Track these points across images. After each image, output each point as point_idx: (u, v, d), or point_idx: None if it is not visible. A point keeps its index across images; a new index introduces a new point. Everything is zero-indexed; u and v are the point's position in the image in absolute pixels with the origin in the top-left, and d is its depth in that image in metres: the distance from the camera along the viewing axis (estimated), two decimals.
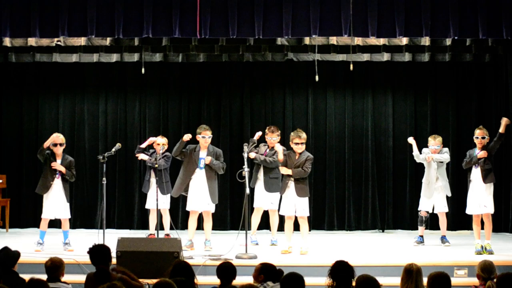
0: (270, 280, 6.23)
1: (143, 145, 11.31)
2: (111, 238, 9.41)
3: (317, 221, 13.12)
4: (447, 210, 11.22)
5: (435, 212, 11.18)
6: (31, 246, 10.24)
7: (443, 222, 11.20)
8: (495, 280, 6.16)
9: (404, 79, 13.44)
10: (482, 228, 10.37)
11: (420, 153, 11.08)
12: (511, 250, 10.56)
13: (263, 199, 10.99)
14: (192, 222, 10.61)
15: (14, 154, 13.37)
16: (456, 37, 10.32)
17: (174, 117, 13.44)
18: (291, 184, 10.19)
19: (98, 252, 6.59)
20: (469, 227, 11.56)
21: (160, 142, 11.17)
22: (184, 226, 12.00)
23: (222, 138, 13.14)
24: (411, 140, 11.20)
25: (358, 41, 12.18)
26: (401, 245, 11.33)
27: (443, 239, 11.15)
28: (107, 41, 12.37)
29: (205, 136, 10.55)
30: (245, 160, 10.07)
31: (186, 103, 13.45)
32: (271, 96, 13.49)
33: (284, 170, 10.25)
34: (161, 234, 10.95)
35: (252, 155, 10.80)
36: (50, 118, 13.43)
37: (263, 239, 11.19)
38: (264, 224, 11.68)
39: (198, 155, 10.52)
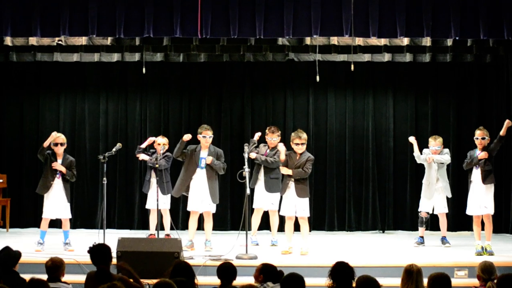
0: (270, 280, 6.22)
1: (143, 145, 11.31)
2: (112, 238, 9.39)
3: (318, 222, 13.12)
4: (447, 211, 11.22)
5: (435, 213, 11.18)
6: (31, 246, 10.23)
7: (443, 223, 11.19)
8: (495, 281, 6.15)
9: (405, 80, 13.44)
10: (483, 229, 10.36)
11: (421, 153, 11.08)
12: (511, 251, 10.57)
13: (263, 200, 10.98)
14: (193, 222, 10.60)
15: (15, 153, 13.37)
16: (457, 38, 10.33)
17: (175, 117, 13.43)
18: (292, 184, 10.18)
19: (99, 252, 6.58)
20: (470, 228, 11.55)
21: (161, 142, 11.17)
22: (185, 227, 12.00)
23: (223, 138, 13.13)
24: (412, 139, 11.18)
25: (359, 41, 12.19)
26: (402, 246, 11.32)
27: (444, 240, 11.14)
28: (108, 40, 12.38)
29: (206, 136, 10.54)
30: (246, 160, 10.07)
31: (187, 103, 13.45)
32: (272, 96, 13.49)
33: (285, 170, 10.24)
34: (162, 234, 10.95)
35: (253, 155, 10.79)
36: (50, 117, 13.42)
37: (264, 240, 11.19)
38: (265, 224, 11.67)
39: (198, 155, 10.52)
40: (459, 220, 12.69)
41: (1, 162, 13.22)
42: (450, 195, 11.18)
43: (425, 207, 11.13)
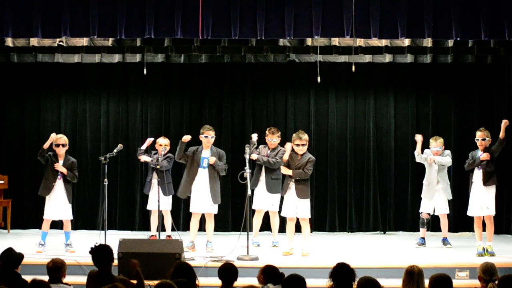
0: (271, 282, 6.23)
1: (143, 147, 11.32)
2: (113, 239, 9.40)
3: (319, 223, 13.10)
4: (448, 212, 11.21)
5: (436, 214, 11.18)
6: (32, 247, 10.23)
7: (444, 224, 11.19)
8: (496, 282, 6.14)
9: (406, 80, 13.43)
10: (484, 230, 10.36)
11: (422, 153, 11.07)
12: None
13: (264, 201, 10.97)
14: (194, 223, 10.60)
15: (16, 154, 13.36)
16: (458, 39, 10.32)
17: (176, 118, 13.43)
18: (292, 185, 10.19)
19: (100, 253, 6.58)
20: (471, 229, 11.54)
21: (162, 143, 11.17)
22: (186, 228, 12.00)
23: (224, 139, 13.13)
24: (418, 137, 11.12)
25: (360, 42, 12.20)
26: (403, 247, 11.32)
27: (445, 241, 11.14)
28: (109, 41, 12.39)
29: (207, 136, 10.54)
30: (247, 161, 10.07)
31: (188, 104, 13.45)
32: (273, 97, 13.49)
33: (285, 170, 10.26)
34: (163, 236, 10.96)
35: (254, 156, 10.79)
36: (52, 118, 13.42)
37: (265, 241, 11.19)
38: (266, 225, 11.67)
39: (200, 155, 10.52)
40: (460, 221, 12.68)
41: (2, 163, 13.22)
42: (450, 197, 11.16)
43: (426, 208, 11.13)
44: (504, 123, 10.23)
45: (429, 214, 11.16)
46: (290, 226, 10.27)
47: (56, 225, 11.42)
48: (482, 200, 10.23)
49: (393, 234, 13.08)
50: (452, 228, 12.25)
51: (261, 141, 11.20)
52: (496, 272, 6.32)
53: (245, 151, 10.28)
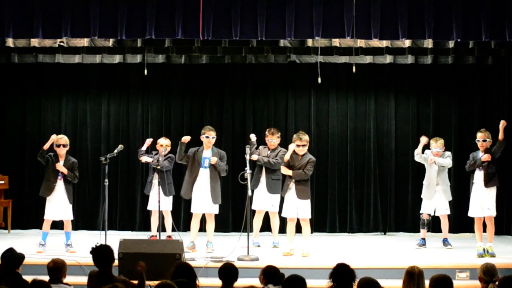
0: (272, 283, 6.23)
1: (143, 148, 11.33)
2: (113, 239, 9.41)
3: (319, 223, 13.10)
4: (449, 213, 11.20)
5: (436, 214, 11.17)
6: (33, 247, 10.23)
7: (445, 224, 11.18)
8: (497, 283, 6.14)
9: (407, 81, 13.44)
10: (484, 230, 10.36)
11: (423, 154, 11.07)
12: None
13: (264, 202, 10.97)
14: (195, 224, 10.60)
15: (17, 155, 13.37)
16: (459, 40, 10.30)
17: (177, 118, 13.44)
18: (292, 185, 10.20)
19: (101, 253, 6.58)
20: (471, 230, 11.53)
21: (163, 143, 11.18)
22: (186, 228, 12.01)
23: (224, 139, 13.13)
24: (423, 139, 11.06)
25: (361, 43, 12.19)
26: (403, 248, 11.32)
27: (445, 241, 11.13)
28: (110, 42, 12.39)
29: (208, 136, 10.54)
30: (247, 162, 10.08)
31: (188, 104, 13.45)
32: (274, 98, 13.49)
33: (284, 170, 10.27)
34: (163, 236, 10.96)
35: (255, 157, 10.79)
36: (52, 119, 13.43)
37: (265, 241, 11.19)
38: (266, 226, 11.67)
39: (201, 155, 10.52)
40: (461, 222, 12.68)
41: (3, 164, 13.23)
42: (450, 198, 11.16)
43: (426, 209, 11.12)
44: (502, 124, 10.22)
45: (429, 215, 11.15)
46: (291, 226, 10.28)
47: (57, 225, 11.42)
48: (483, 201, 10.23)
49: (394, 234, 13.07)
50: (453, 229, 12.26)
51: (262, 141, 11.20)
52: (496, 273, 6.32)
53: (246, 151, 10.29)
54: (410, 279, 6.01)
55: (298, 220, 10.28)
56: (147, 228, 12.23)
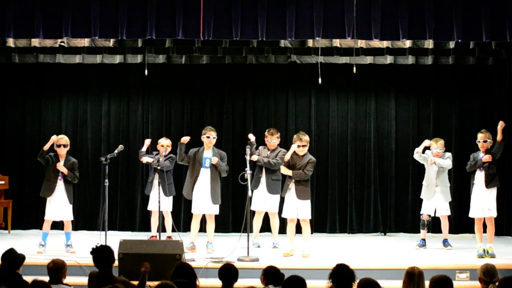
0: (272, 283, 6.23)
1: (143, 149, 11.34)
2: (113, 240, 9.41)
3: (319, 224, 13.10)
4: (449, 214, 11.19)
5: (437, 215, 11.17)
6: (33, 247, 10.23)
7: (445, 225, 11.17)
8: (497, 283, 6.14)
9: (407, 82, 13.43)
10: (485, 231, 10.35)
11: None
12: None
13: (263, 202, 10.96)
14: (195, 224, 10.60)
15: (17, 155, 13.37)
16: (459, 40, 10.31)
17: (177, 118, 13.44)
18: (292, 186, 10.20)
19: (101, 253, 6.58)
20: (471, 231, 11.53)
21: (164, 143, 11.19)
22: (186, 228, 12.01)
23: (225, 140, 13.13)
24: (426, 142, 11.02)
25: (361, 43, 12.19)
26: (403, 248, 11.32)
27: (445, 242, 11.13)
28: (111, 42, 12.39)
29: (209, 136, 10.54)
30: (247, 162, 10.08)
31: (189, 104, 13.45)
32: (274, 98, 13.49)
33: (284, 170, 10.27)
34: (163, 236, 10.95)
35: (255, 157, 10.78)
36: (53, 119, 13.43)
37: (265, 242, 11.19)
38: (266, 226, 11.67)
39: (202, 155, 10.52)
40: (461, 222, 12.68)
41: (3, 164, 13.23)
42: (449, 199, 11.14)
43: (427, 209, 11.12)
44: (501, 125, 10.21)
45: (429, 215, 11.14)
46: (291, 227, 10.28)
47: (57, 225, 11.42)
48: (484, 201, 10.23)
49: (394, 235, 13.07)
50: (453, 230, 12.27)
51: (262, 142, 11.20)
52: (496, 273, 6.32)
53: (246, 152, 10.29)
54: (410, 280, 6.01)
55: (298, 220, 10.28)
56: (147, 228, 12.23)
